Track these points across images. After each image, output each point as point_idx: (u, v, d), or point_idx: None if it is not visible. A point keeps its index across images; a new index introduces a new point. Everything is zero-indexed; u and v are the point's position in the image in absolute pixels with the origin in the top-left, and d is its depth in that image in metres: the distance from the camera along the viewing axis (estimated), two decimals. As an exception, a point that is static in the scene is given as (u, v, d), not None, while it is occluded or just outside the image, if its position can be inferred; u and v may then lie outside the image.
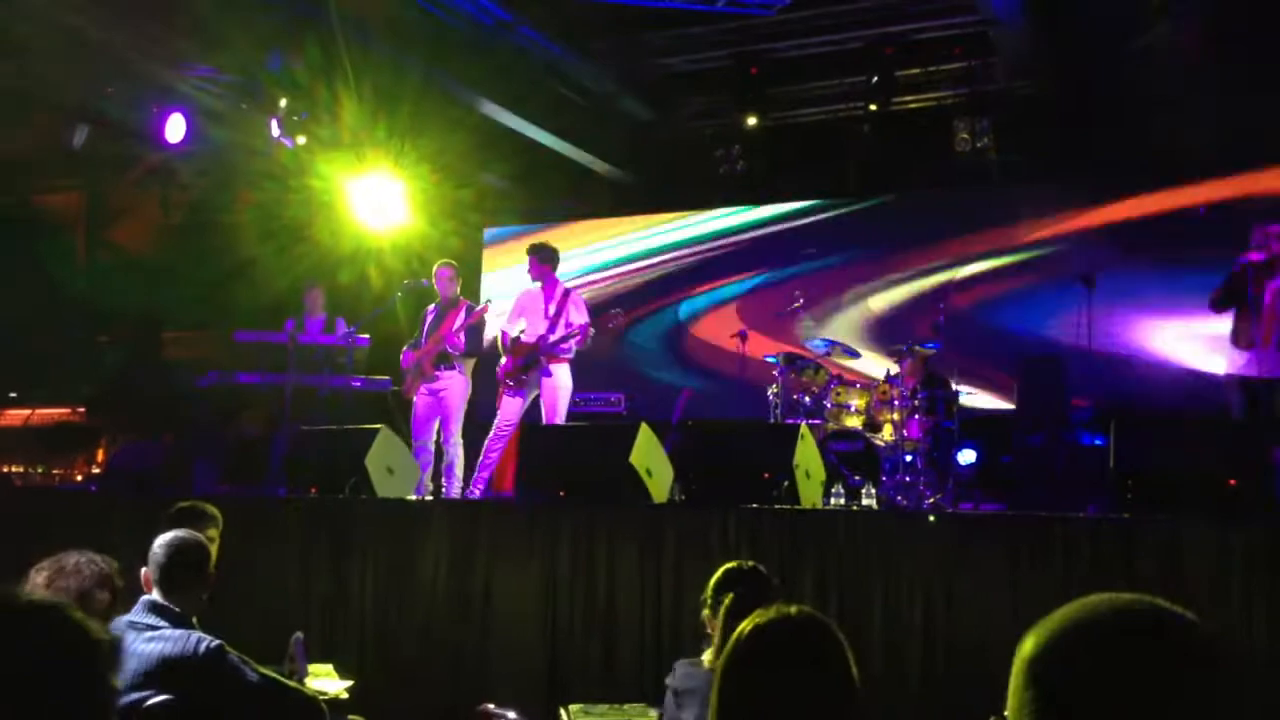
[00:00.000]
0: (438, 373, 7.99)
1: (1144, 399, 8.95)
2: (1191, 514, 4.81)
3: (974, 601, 4.93)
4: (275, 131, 8.74)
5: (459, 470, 7.88)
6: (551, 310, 7.95)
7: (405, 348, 8.24)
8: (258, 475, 7.44)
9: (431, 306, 8.30)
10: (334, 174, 8.90)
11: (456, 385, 8.01)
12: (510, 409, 7.85)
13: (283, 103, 8.32)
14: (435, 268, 8.25)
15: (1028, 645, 1.23)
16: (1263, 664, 4.43)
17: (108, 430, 9.72)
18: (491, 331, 8.86)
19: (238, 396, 8.62)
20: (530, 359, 7.86)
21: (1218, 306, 6.66)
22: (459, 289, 8.27)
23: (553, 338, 7.84)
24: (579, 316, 7.93)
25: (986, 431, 8.37)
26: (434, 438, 7.93)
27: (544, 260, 8.04)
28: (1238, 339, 6.61)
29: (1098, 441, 6.65)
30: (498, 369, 8.01)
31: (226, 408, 8.62)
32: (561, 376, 7.87)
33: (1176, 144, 8.10)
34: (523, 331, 7.97)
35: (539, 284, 8.05)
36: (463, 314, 8.07)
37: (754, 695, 1.93)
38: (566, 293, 8.06)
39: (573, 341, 7.83)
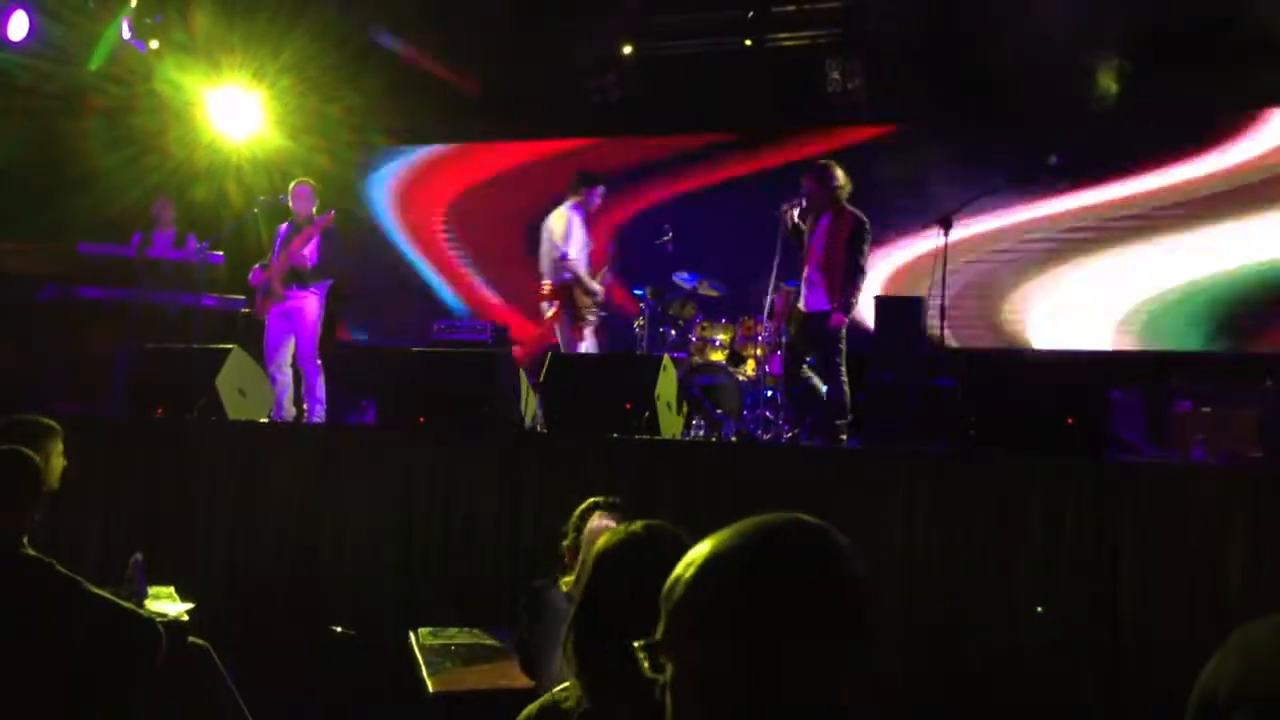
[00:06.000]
0: (289, 292, 7.73)
1: (998, 337, 9.29)
2: (1030, 450, 5.03)
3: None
4: (126, 33, 8.26)
5: (321, 392, 7.69)
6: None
7: (255, 266, 7.95)
8: (100, 394, 7.13)
9: (285, 224, 8.01)
10: (187, 82, 8.47)
11: (310, 305, 7.77)
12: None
13: (133, 2, 7.85)
14: (293, 185, 7.97)
15: (691, 569, 1.26)
16: (1086, 593, 4.68)
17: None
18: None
19: (80, 312, 8.22)
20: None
21: None
22: (316, 208, 8.02)
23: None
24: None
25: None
26: (289, 360, 7.69)
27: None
28: None
29: (948, 382, 6.86)
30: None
31: (67, 323, 8.21)
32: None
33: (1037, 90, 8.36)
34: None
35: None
36: (317, 233, 7.83)
37: (610, 604, 2.08)
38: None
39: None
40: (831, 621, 1.22)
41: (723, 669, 1.20)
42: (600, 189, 7.92)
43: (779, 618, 1.20)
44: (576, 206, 7.86)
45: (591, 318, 7.83)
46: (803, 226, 7.06)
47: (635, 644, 1.27)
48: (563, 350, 7.74)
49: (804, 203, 7.03)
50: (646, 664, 1.27)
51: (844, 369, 6.88)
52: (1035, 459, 4.95)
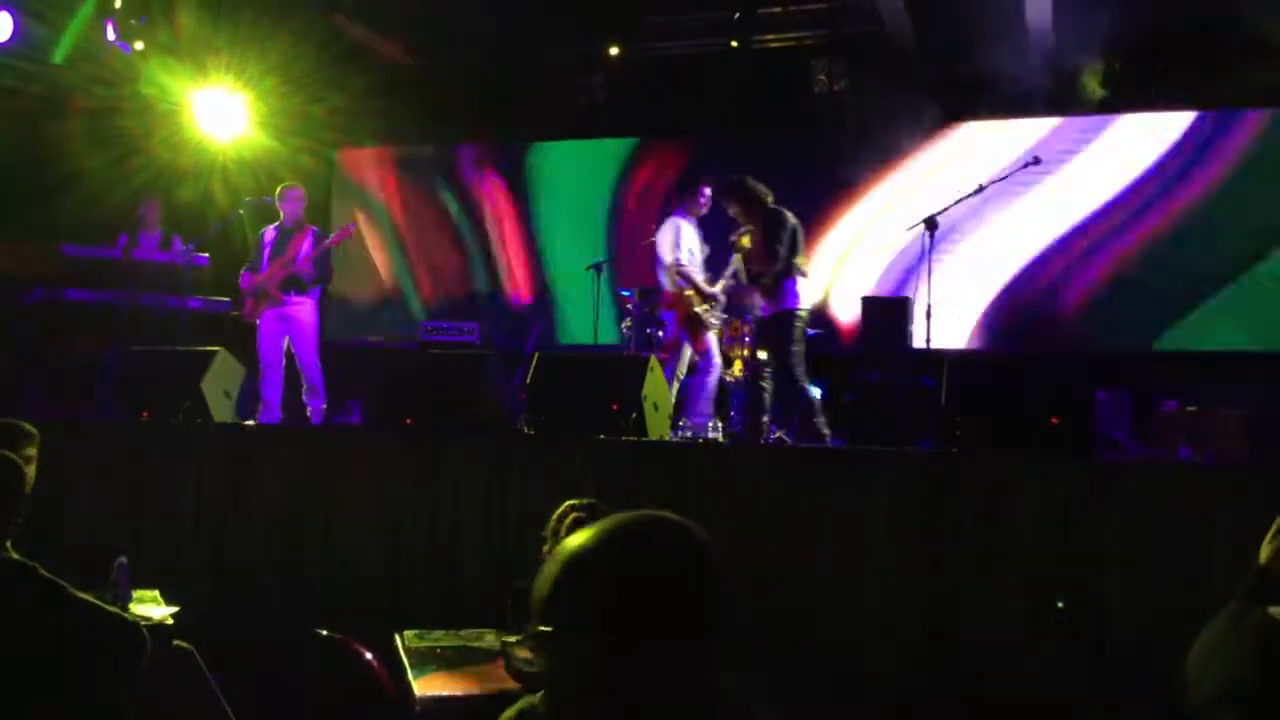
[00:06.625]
0: (286, 297, 7.74)
1: (981, 336, 9.32)
2: (1015, 449, 5.03)
3: (809, 530, 5.06)
4: (111, 35, 8.23)
5: (323, 394, 7.72)
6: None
7: (244, 269, 7.93)
8: (87, 397, 7.11)
9: (271, 228, 7.98)
10: (173, 83, 8.44)
11: (307, 309, 7.81)
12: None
13: (118, 3, 7.81)
14: (283, 189, 7.95)
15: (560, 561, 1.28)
16: (1073, 592, 4.68)
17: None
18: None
19: (66, 314, 8.19)
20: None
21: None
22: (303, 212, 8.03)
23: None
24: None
25: (834, 370, 8.56)
26: (284, 361, 7.70)
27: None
28: None
29: (934, 381, 6.89)
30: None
31: (54, 325, 8.17)
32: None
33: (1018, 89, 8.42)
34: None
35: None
36: (310, 238, 7.82)
37: None
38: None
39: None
40: (696, 618, 1.24)
41: (592, 663, 1.22)
42: (705, 190, 7.72)
43: (646, 613, 1.22)
44: (681, 212, 7.76)
45: (715, 321, 7.70)
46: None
47: (507, 640, 1.30)
48: (690, 359, 7.66)
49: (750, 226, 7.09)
50: (526, 659, 1.27)
51: (799, 368, 6.82)
52: (1022, 458, 4.95)
